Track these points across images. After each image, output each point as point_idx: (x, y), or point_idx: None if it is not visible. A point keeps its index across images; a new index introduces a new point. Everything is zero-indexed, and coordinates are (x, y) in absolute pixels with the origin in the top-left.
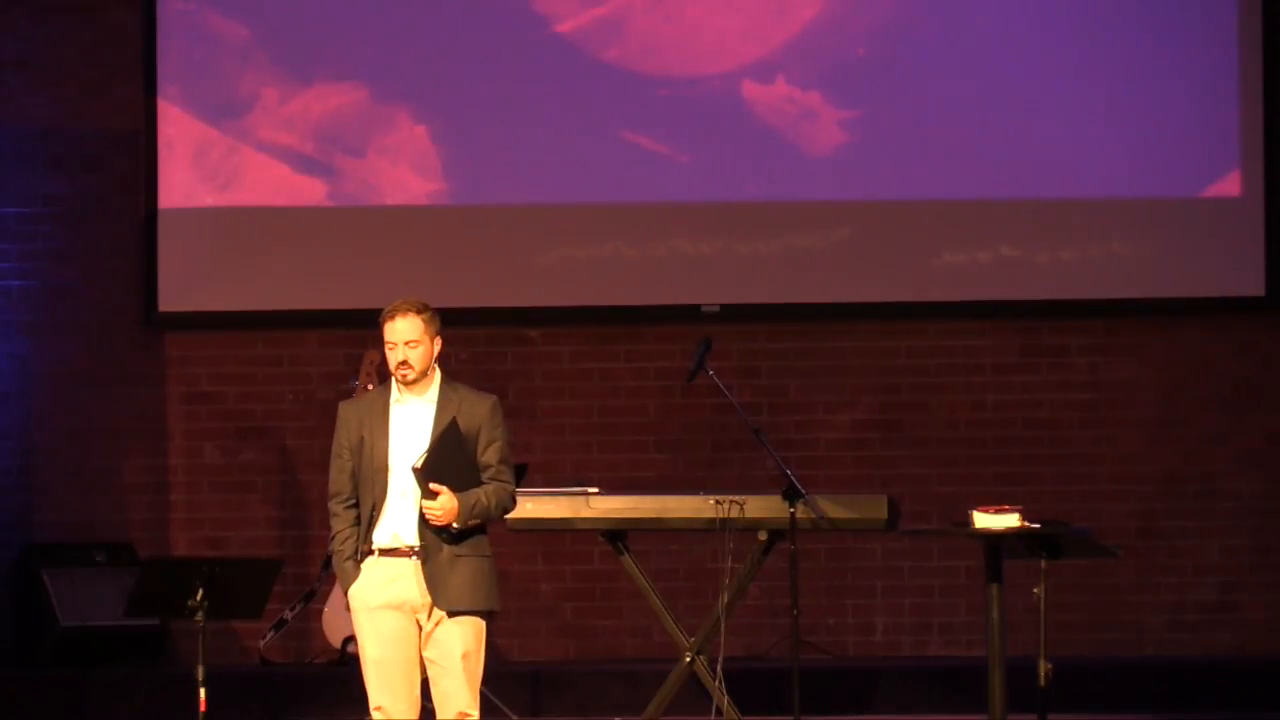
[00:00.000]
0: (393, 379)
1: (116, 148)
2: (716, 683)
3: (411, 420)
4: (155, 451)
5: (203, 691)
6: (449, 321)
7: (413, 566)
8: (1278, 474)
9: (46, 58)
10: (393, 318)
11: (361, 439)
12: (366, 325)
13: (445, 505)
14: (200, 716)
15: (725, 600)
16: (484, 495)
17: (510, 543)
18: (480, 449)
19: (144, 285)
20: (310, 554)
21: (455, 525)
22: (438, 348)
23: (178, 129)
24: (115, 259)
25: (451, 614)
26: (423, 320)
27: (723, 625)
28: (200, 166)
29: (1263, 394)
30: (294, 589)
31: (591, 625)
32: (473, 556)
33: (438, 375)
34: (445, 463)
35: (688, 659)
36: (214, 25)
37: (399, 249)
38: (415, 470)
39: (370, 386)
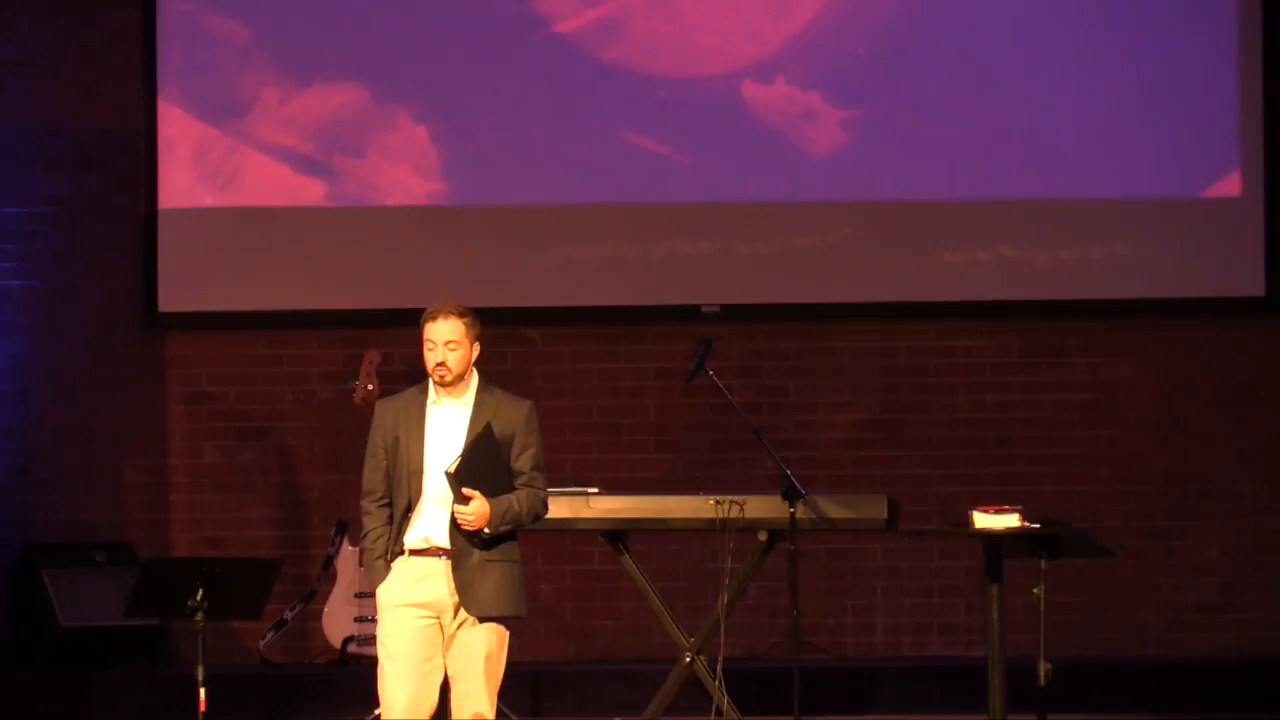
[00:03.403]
0: (430, 380)
1: (116, 148)
2: (716, 683)
3: (447, 423)
4: (155, 451)
5: (203, 691)
6: None
7: (443, 567)
8: (1278, 474)
9: (46, 58)
10: (434, 319)
11: (397, 439)
12: (366, 325)
13: (477, 510)
14: (200, 716)
15: (725, 600)
16: (516, 501)
17: None
18: (514, 455)
19: (144, 285)
20: (310, 554)
21: (487, 531)
22: (476, 352)
23: (178, 129)
24: (115, 259)
25: (481, 619)
26: (464, 324)
27: (723, 625)
28: (200, 166)
29: (1263, 394)
30: (294, 589)
31: (591, 625)
32: (503, 562)
33: (475, 379)
34: (479, 468)
35: (688, 659)
36: (214, 25)
37: (399, 249)
38: (448, 474)
39: (370, 386)
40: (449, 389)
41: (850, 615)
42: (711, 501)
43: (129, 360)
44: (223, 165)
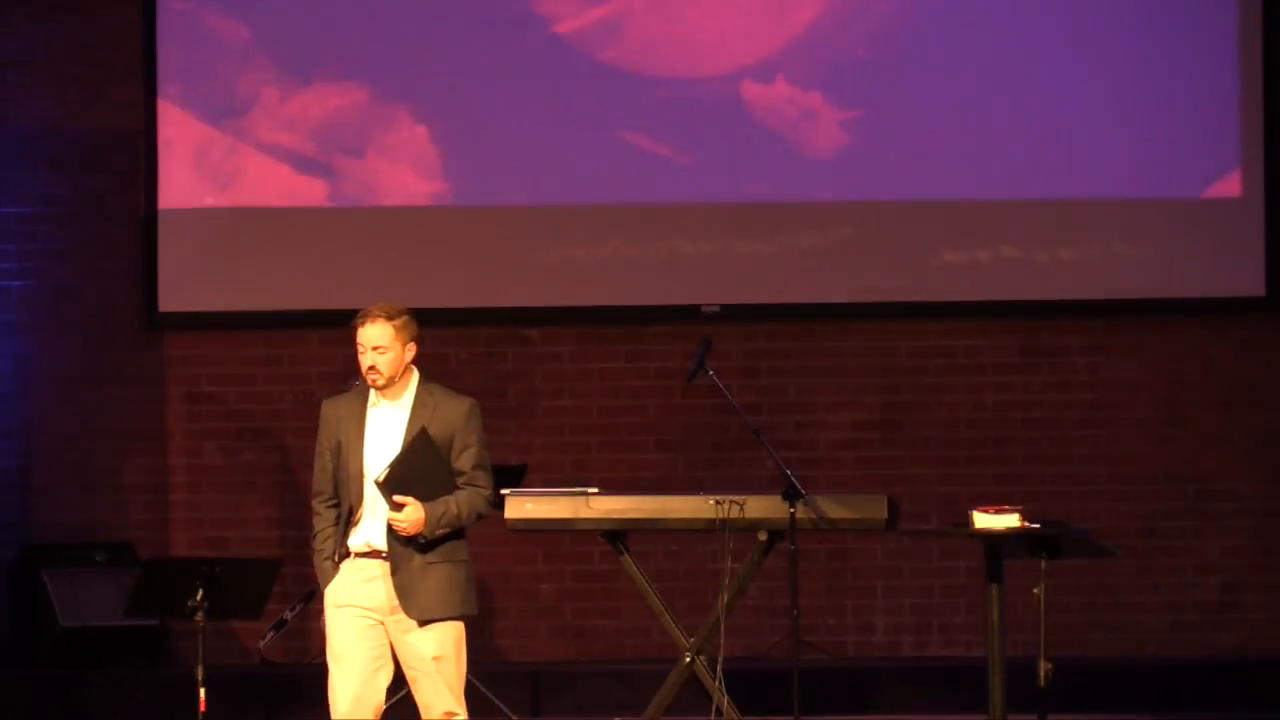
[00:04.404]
0: None
1: (116, 148)
2: (716, 683)
3: (385, 426)
4: (155, 451)
5: (203, 691)
6: (449, 321)
7: (385, 570)
8: (1278, 474)
9: (46, 58)
10: (363, 323)
11: (339, 443)
12: None
13: (411, 517)
14: (200, 716)
15: (725, 600)
16: (454, 503)
17: (510, 543)
18: (455, 454)
19: (144, 285)
20: (310, 554)
21: (423, 536)
22: (410, 353)
23: (178, 129)
24: (115, 259)
25: (423, 622)
26: (393, 327)
27: (723, 625)
28: (200, 166)
29: (1263, 394)
30: (294, 589)
31: (591, 625)
32: (444, 563)
33: (414, 379)
34: (413, 472)
35: (688, 659)
36: (214, 25)
37: (399, 249)
38: (378, 484)
39: None
40: (386, 391)
41: (850, 615)
42: (711, 501)
43: (129, 360)
44: (223, 165)
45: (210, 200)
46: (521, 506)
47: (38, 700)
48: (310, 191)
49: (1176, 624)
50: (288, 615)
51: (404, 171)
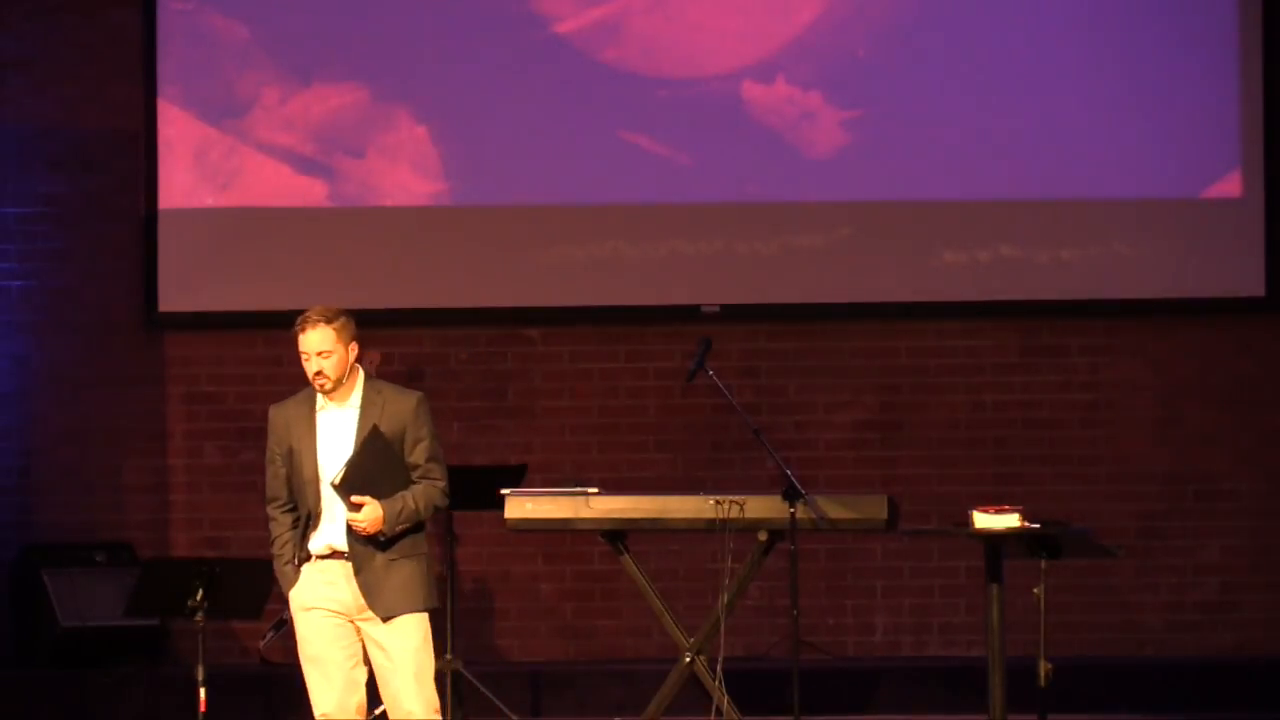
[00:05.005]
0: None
1: (116, 148)
2: (716, 683)
3: (336, 429)
4: (155, 451)
5: (203, 691)
6: (449, 321)
7: (349, 570)
8: (1278, 474)
9: (46, 58)
10: (304, 329)
11: (291, 449)
12: (366, 325)
13: (369, 516)
14: (200, 716)
15: (725, 600)
16: (412, 498)
17: (510, 543)
18: (408, 449)
19: (144, 285)
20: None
21: (383, 533)
22: (354, 354)
23: (178, 129)
24: (115, 259)
25: (389, 618)
26: (334, 329)
27: (723, 625)
28: (200, 166)
29: (1263, 394)
30: None
31: (591, 625)
32: (406, 559)
33: (360, 379)
34: (369, 472)
35: (688, 659)
36: (214, 25)
37: (399, 249)
38: (334, 486)
39: None
40: (332, 394)
41: (850, 615)
42: (711, 501)
43: (129, 360)
44: (223, 165)
45: (210, 200)
46: (521, 506)
47: (38, 700)
48: (310, 191)
49: (1176, 624)
50: (288, 615)
51: (404, 171)
